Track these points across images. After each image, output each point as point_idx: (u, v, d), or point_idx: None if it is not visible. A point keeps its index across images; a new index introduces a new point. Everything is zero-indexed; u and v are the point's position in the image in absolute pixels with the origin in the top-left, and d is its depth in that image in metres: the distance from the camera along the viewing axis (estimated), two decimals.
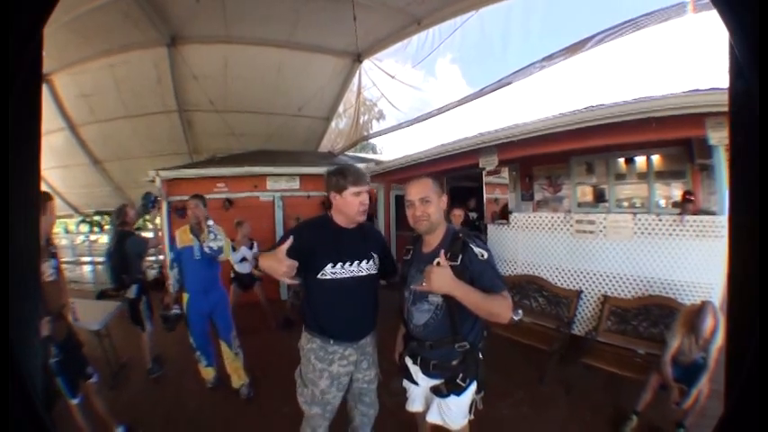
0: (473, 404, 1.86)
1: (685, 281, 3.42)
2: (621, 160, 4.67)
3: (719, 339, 2.45)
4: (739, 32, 0.49)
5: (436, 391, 1.81)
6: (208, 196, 5.83)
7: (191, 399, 3.28)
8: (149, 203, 3.86)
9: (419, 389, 1.93)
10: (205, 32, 6.19)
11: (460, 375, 1.74)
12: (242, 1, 5.72)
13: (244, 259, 4.60)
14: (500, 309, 1.50)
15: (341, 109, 8.29)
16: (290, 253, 1.58)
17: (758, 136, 0.48)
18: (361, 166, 7.18)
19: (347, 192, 1.79)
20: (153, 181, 6.08)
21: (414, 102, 7.26)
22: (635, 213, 3.85)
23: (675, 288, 3.46)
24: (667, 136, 3.49)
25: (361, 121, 8.07)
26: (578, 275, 4.03)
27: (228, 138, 7.66)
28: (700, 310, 2.51)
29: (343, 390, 1.94)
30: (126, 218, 3.71)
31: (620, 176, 4.76)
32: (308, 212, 6.10)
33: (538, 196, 5.41)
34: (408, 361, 1.92)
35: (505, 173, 4.74)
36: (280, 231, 6.41)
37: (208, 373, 3.38)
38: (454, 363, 1.73)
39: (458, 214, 4.40)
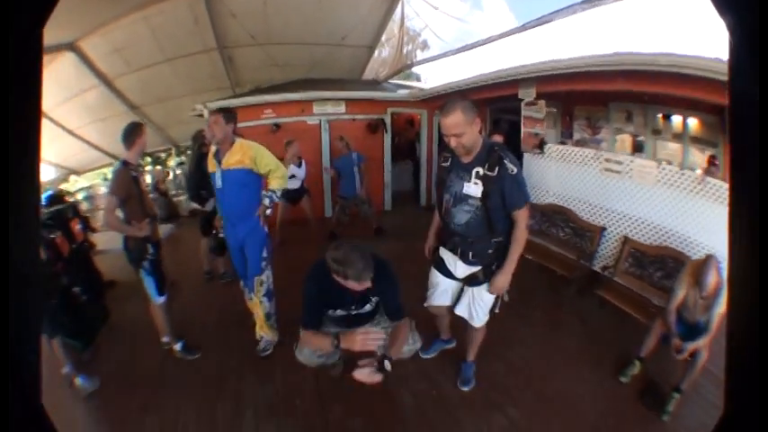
0: (498, 299, 2.48)
1: (700, 242, 3.56)
2: (659, 115, 4.68)
3: (723, 305, 2.52)
4: (739, 32, 0.51)
5: (472, 279, 2.38)
6: (256, 122, 6.79)
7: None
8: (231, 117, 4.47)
9: (451, 283, 2.52)
10: None
11: (495, 264, 2.31)
12: None
13: (293, 176, 5.22)
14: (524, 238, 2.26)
15: (384, 38, 8.40)
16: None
17: (758, 136, 0.49)
18: (405, 92, 7.60)
19: (349, 281, 2.01)
20: (201, 115, 6.66)
21: (458, 33, 7.43)
22: (660, 162, 4.02)
23: (690, 245, 3.62)
24: (692, 95, 3.47)
25: (404, 50, 8.21)
26: (603, 212, 4.34)
27: (271, 69, 7.97)
28: (704, 263, 2.62)
29: None
30: (204, 140, 4.26)
31: (657, 132, 4.76)
32: (353, 134, 6.72)
33: (576, 135, 5.56)
34: (447, 254, 2.45)
35: (542, 105, 4.98)
36: (326, 152, 7.10)
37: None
38: (490, 251, 2.29)
39: (497, 139, 4.69)
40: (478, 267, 2.35)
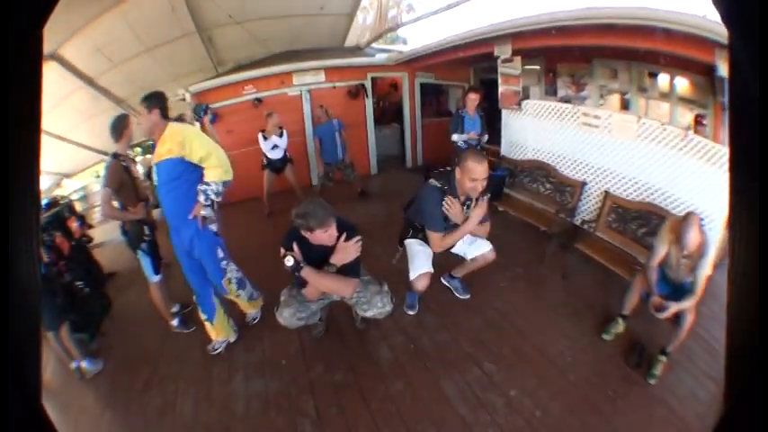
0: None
1: (684, 200, 3.55)
2: (645, 72, 4.69)
3: (708, 267, 2.55)
4: (739, 32, 0.52)
5: None
6: (237, 99, 6.98)
7: None
8: (201, 111, 4.72)
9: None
10: None
11: None
12: None
13: (275, 147, 5.57)
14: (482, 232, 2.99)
15: (365, 3, 8.29)
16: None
17: (758, 136, 0.50)
18: (383, 56, 7.63)
19: (317, 231, 2.30)
20: (183, 99, 6.89)
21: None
22: (640, 117, 3.98)
23: (673, 203, 3.61)
24: (675, 50, 3.52)
25: (389, 15, 8.18)
26: (584, 168, 4.38)
27: (252, 45, 7.97)
28: (684, 220, 2.56)
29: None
30: (185, 122, 4.45)
31: (644, 90, 4.76)
32: (334, 102, 6.95)
33: (561, 92, 5.56)
34: None
35: (518, 62, 4.98)
36: (308, 122, 7.21)
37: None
38: None
39: (473, 98, 4.85)
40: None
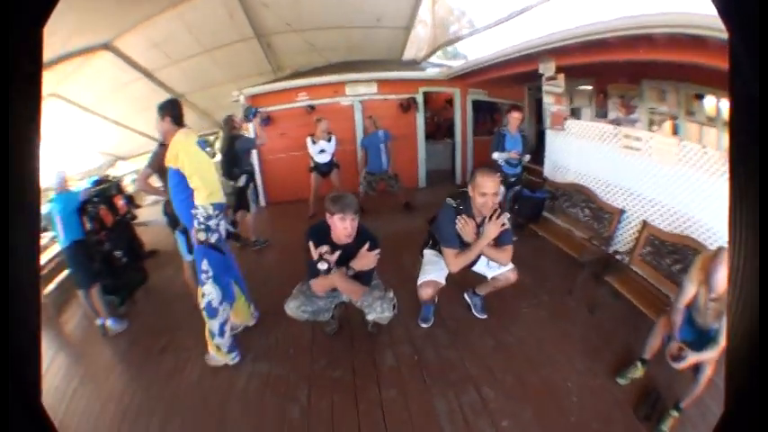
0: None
1: (724, 234, 3.14)
2: (692, 94, 4.38)
3: None
4: (739, 32, 0.52)
5: None
6: (291, 105, 7.33)
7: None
8: (250, 114, 4.98)
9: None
10: None
11: None
12: None
13: (322, 151, 5.82)
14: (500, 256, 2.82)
15: (421, 17, 8.37)
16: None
17: (758, 136, 0.50)
18: (435, 71, 7.73)
19: (335, 217, 2.51)
20: (237, 101, 7.32)
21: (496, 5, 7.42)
22: (681, 139, 3.72)
23: (714, 237, 3.20)
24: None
25: (450, 29, 8.28)
26: (623, 194, 4.14)
27: (310, 53, 8.25)
28: (714, 257, 2.26)
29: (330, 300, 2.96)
30: (234, 124, 5.01)
31: (691, 113, 4.45)
32: (385, 114, 7.19)
33: (611, 114, 5.37)
34: None
35: (562, 80, 4.85)
36: (359, 131, 7.44)
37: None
38: None
39: (515, 116, 4.78)
40: None
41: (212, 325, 2.90)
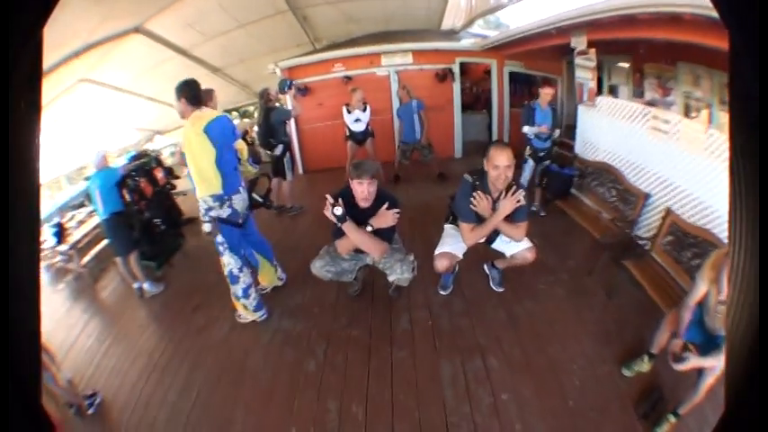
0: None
1: None
2: (724, 82, 4.18)
3: None
4: (739, 32, 0.52)
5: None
6: (327, 76, 7.57)
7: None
8: (285, 86, 5.26)
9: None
10: None
11: None
12: None
13: (357, 120, 6.02)
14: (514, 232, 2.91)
15: None
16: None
17: (758, 136, 0.50)
18: (470, 41, 7.73)
19: (354, 181, 2.77)
20: (274, 72, 7.56)
21: None
22: (709, 127, 3.51)
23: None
24: None
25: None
26: (650, 177, 4.05)
27: (347, 24, 8.23)
28: (724, 256, 2.14)
29: (353, 261, 3.20)
30: (270, 96, 5.29)
31: (724, 102, 4.10)
32: (421, 84, 7.29)
33: (648, 95, 5.19)
34: None
35: (593, 55, 4.77)
36: (395, 101, 7.54)
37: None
38: None
39: (547, 92, 4.78)
40: None
41: (236, 289, 3.22)
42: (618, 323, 3.15)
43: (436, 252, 3.17)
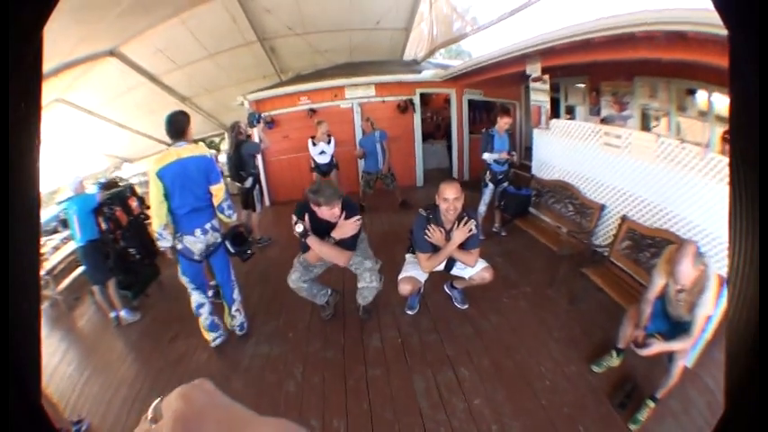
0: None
1: (704, 227, 3.33)
2: (683, 90, 4.56)
3: (707, 305, 2.31)
4: (739, 32, 0.53)
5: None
6: (293, 109, 7.84)
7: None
8: (254, 119, 5.53)
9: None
10: None
11: None
12: None
13: (322, 152, 6.31)
14: (466, 258, 3.14)
15: (420, 18, 8.75)
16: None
17: (758, 137, 0.50)
18: (431, 73, 8.09)
19: (323, 208, 2.88)
20: (242, 104, 7.83)
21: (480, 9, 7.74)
22: (659, 135, 3.92)
23: (692, 231, 3.42)
24: (699, 59, 3.15)
25: (454, 27, 8.46)
26: (605, 190, 4.41)
27: (313, 55, 8.72)
28: (677, 250, 2.35)
29: (322, 265, 3.37)
30: (240, 130, 5.49)
31: (682, 109, 4.64)
32: (384, 116, 7.68)
33: (604, 112, 5.56)
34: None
35: (547, 81, 5.15)
36: (358, 132, 7.84)
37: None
38: None
39: (506, 120, 5.05)
40: None
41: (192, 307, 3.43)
42: (583, 326, 3.41)
43: (399, 277, 3.40)
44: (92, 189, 4.77)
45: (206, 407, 0.48)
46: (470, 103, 8.42)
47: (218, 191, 3.23)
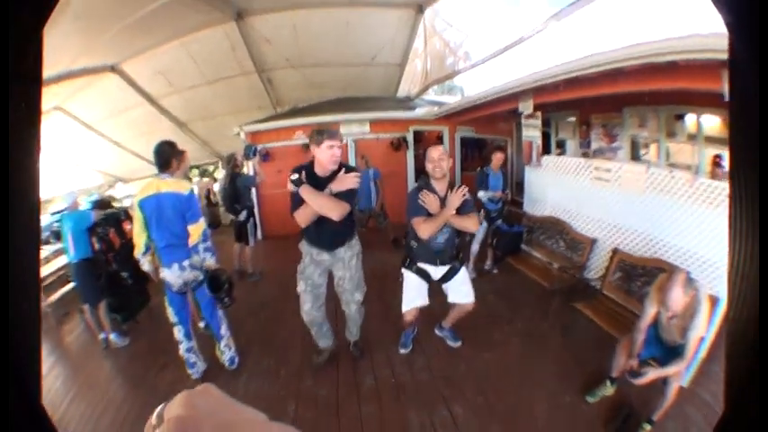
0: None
1: (694, 252, 3.44)
2: (672, 116, 4.86)
3: (700, 328, 2.39)
4: (739, 32, 0.54)
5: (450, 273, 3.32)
6: (288, 143, 7.97)
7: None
8: (250, 153, 5.50)
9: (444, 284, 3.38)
10: (268, 4, 7.09)
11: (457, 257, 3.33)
12: None
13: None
14: (467, 223, 3.08)
15: (414, 54, 9.09)
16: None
17: (758, 136, 0.51)
18: (424, 111, 8.31)
19: (324, 144, 2.77)
20: (238, 134, 8.00)
21: (474, 48, 8.12)
22: (649, 166, 4.07)
23: (683, 257, 3.53)
24: (683, 86, 3.39)
25: (446, 62, 8.87)
26: (595, 223, 4.52)
27: (309, 89, 8.99)
28: (667, 279, 2.45)
29: (322, 271, 3.19)
30: (236, 162, 5.55)
31: (672, 134, 4.96)
32: (377, 152, 7.78)
33: (594, 145, 5.84)
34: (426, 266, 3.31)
35: (539, 117, 5.30)
36: None
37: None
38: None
39: (499, 156, 5.17)
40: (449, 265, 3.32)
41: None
42: (576, 358, 3.45)
43: (405, 308, 3.35)
44: (85, 205, 4.80)
45: (205, 411, 0.50)
46: (462, 140, 8.67)
47: (195, 231, 3.18)
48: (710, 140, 4.54)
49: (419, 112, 8.52)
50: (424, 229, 3.06)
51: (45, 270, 5.35)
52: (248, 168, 6.29)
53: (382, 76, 9.53)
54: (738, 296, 0.57)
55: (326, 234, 3.05)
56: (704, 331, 2.45)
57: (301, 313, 3.31)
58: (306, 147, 7.79)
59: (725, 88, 2.11)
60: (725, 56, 1.63)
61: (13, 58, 0.52)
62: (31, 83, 0.57)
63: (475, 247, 5.20)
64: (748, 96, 0.53)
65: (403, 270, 3.47)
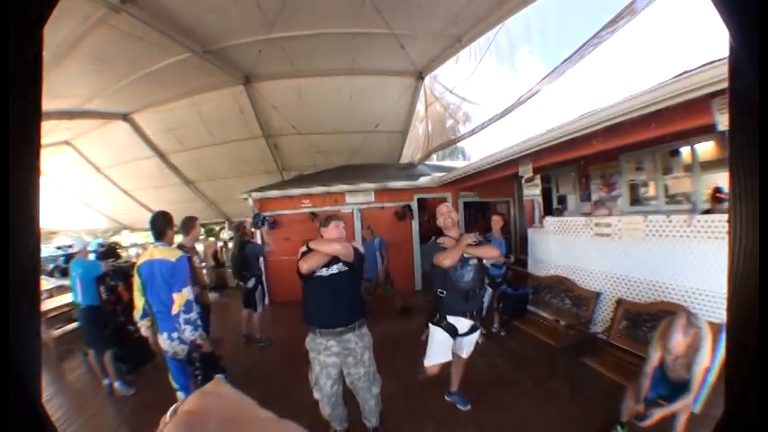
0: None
1: (696, 288, 3.58)
2: (666, 154, 5.12)
3: (705, 359, 2.50)
4: (739, 32, 0.54)
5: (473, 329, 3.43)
6: (295, 211, 8.35)
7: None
8: (259, 222, 5.69)
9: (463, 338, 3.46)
10: (275, 71, 7.55)
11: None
12: (299, 44, 7.04)
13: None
14: (484, 250, 3.32)
15: (416, 118, 9.58)
16: None
17: (758, 136, 0.52)
18: (427, 179, 8.68)
19: (330, 226, 3.06)
20: (246, 200, 8.34)
21: (473, 110, 8.51)
22: (646, 215, 4.26)
23: (687, 295, 3.67)
24: (676, 129, 3.47)
25: (447, 125, 9.24)
26: (599, 277, 4.68)
27: (314, 155, 9.42)
28: (668, 324, 2.60)
29: (335, 380, 2.95)
30: (245, 230, 5.81)
31: (668, 170, 5.21)
32: (382, 222, 8.05)
33: (594, 197, 6.04)
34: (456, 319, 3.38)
35: (538, 180, 5.59)
36: (358, 238, 8.20)
37: None
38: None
39: (496, 220, 5.44)
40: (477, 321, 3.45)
41: None
42: (585, 409, 3.48)
43: (429, 362, 3.45)
44: (91, 246, 4.94)
45: (213, 407, 0.55)
46: (465, 204, 8.99)
47: (178, 299, 3.12)
48: (706, 166, 4.74)
49: (423, 180, 8.83)
50: (446, 256, 3.25)
51: (49, 304, 5.48)
52: (256, 236, 6.52)
53: (386, 142, 9.98)
54: (738, 296, 0.59)
55: (329, 303, 2.89)
56: (709, 362, 2.57)
57: (313, 395, 3.16)
58: (313, 215, 8.22)
59: (717, 119, 2.61)
60: (714, 88, 2.63)
61: (13, 58, 0.53)
62: (31, 83, 0.58)
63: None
64: (748, 96, 0.55)
65: (430, 325, 3.55)
